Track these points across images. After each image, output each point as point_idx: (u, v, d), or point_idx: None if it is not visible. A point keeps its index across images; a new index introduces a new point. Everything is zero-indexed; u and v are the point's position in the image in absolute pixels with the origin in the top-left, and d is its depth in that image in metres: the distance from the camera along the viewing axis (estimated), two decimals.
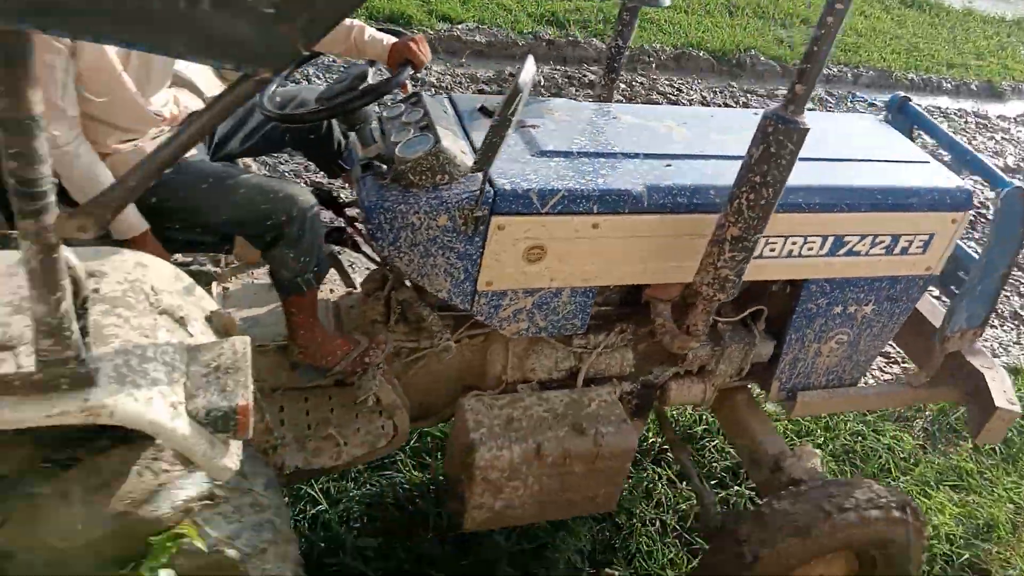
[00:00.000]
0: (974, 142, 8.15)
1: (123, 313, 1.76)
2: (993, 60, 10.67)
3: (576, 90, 7.49)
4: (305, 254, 2.35)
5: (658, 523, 3.51)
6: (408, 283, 2.77)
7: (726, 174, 2.62)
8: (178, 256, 2.85)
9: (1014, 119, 9.19)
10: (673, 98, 7.82)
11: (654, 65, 8.40)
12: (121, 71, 2.16)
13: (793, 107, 2.26)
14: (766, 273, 2.80)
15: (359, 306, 2.89)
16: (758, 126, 2.32)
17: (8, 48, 1.20)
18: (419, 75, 5.15)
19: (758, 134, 2.32)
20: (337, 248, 2.98)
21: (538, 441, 2.55)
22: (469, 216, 2.36)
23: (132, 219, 2.19)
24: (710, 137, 2.89)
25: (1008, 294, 5.75)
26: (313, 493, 3.26)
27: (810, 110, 2.30)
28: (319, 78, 6.56)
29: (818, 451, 3.24)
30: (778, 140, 2.27)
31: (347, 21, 2.62)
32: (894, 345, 3.56)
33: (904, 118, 3.42)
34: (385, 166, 2.47)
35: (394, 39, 2.69)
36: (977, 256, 3.10)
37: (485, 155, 2.15)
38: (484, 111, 2.73)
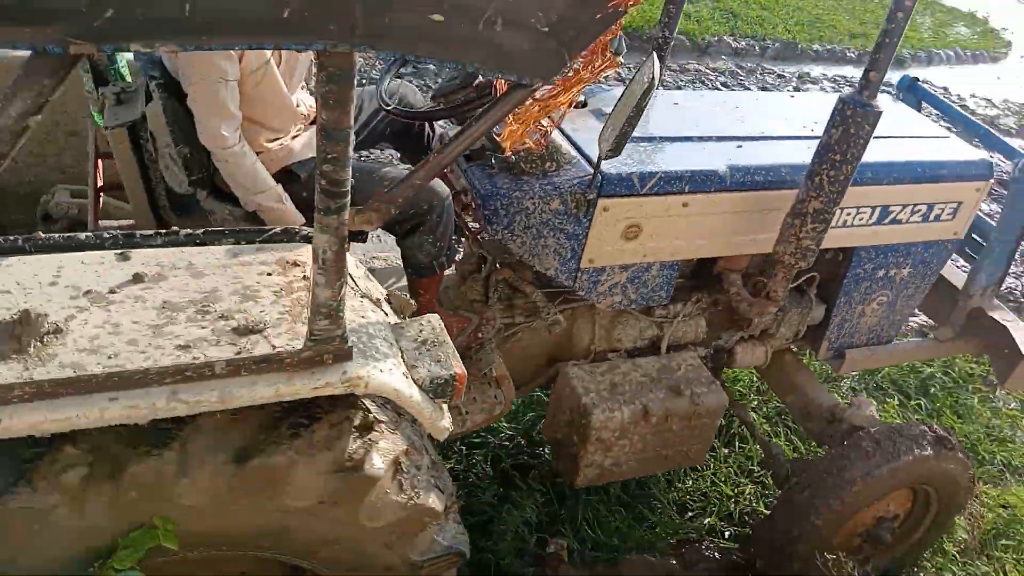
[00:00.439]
0: None
1: None
2: None
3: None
4: (440, 239, 2.56)
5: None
6: (499, 264, 2.99)
7: (790, 152, 2.93)
8: None
9: None
10: None
11: None
12: (277, 72, 2.34)
13: (868, 92, 2.57)
14: (825, 242, 3.10)
15: (455, 287, 3.10)
16: (835, 109, 2.62)
17: (339, 66, 1.40)
18: None
19: (836, 116, 2.62)
20: None
21: (644, 402, 2.81)
22: (581, 200, 2.60)
23: (291, 212, 2.37)
24: (763, 120, 3.19)
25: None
26: None
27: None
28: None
29: (873, 401, 3.57)
30: (856, 122, 2.58)
31: None
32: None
33: (912, 96, 3.77)
34: (492, 156, 2.69)
35: None
36: (993, 222, 3.47)
37: (619, 144, 2.39)
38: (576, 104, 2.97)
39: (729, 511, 3.63)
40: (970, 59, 11.52)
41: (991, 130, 3.52)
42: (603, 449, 2.83)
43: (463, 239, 3.16)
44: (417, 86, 4.69)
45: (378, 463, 1.92)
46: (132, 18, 1.21)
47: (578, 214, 2.64)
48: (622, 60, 2.19)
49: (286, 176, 2.39)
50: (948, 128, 3.68)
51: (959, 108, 3.71)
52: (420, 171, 1.66)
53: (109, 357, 1.66)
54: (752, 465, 3.86)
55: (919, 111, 3.73)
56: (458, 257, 3.20)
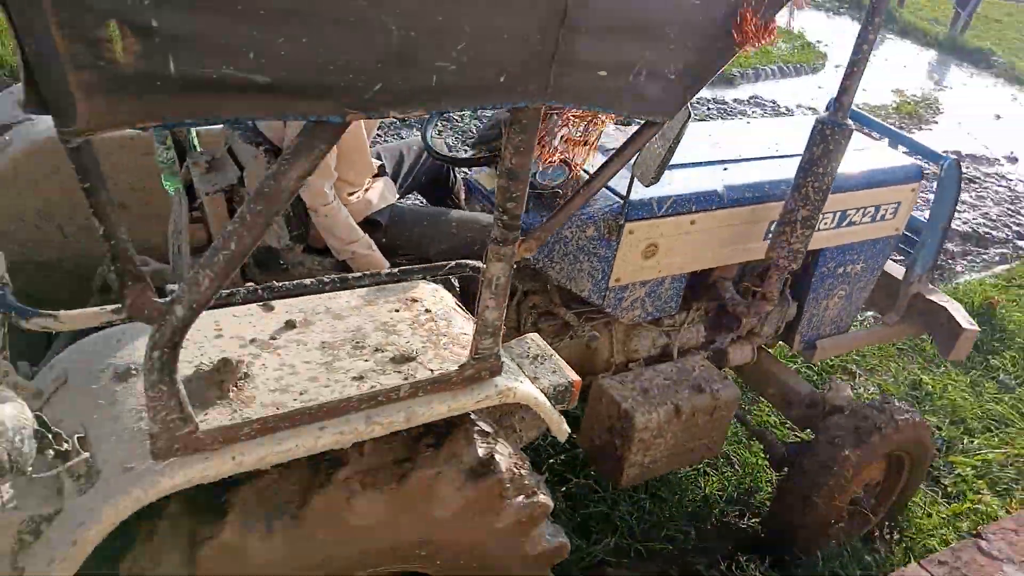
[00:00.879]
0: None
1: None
2: None
3: None
4: None
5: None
6: (525, 292, 3.26)
7: (766, 171, 3.36)
8: None
9: (747, 100, 10.64)
10: None
11: None
12: (364, 131, 2.55)
13: (841, 114, 3.01)
14: None
15: None
16: (814, 130, 3.05)
17: (530, 118, 1.66)
18: None
19: (816, 136, 3.05)
20: None
21: (675, 402, 3.13)
22: (613, 225, 2.92)
23: (378, 258, 2.57)
24: (736, 145, 3.61)
25: None
26: None
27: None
28: None
29: (848, 383, 4.03)
30: (835, 139, 3.01)
31: None
32: None
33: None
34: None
35: None
36: (924, 219, 4.02)
37: (660, 172, 2.71)
38: None
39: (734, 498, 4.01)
40: (793, 72, 12.49)
41: (912, 138, 4.08)
42: (643, 449, 3.13)
43: None
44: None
45: (503, 467, 2.13)
46: (394, 90, 1.43)
47: (609, 238, 2.95)
48: None
49: (369, 225, 2.58)
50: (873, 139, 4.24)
51: (879, 121, 4.27)
52: (569, 204, 1.93)
53: (301, 393, 1.83)
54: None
55: None
56: None
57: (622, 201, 2.90)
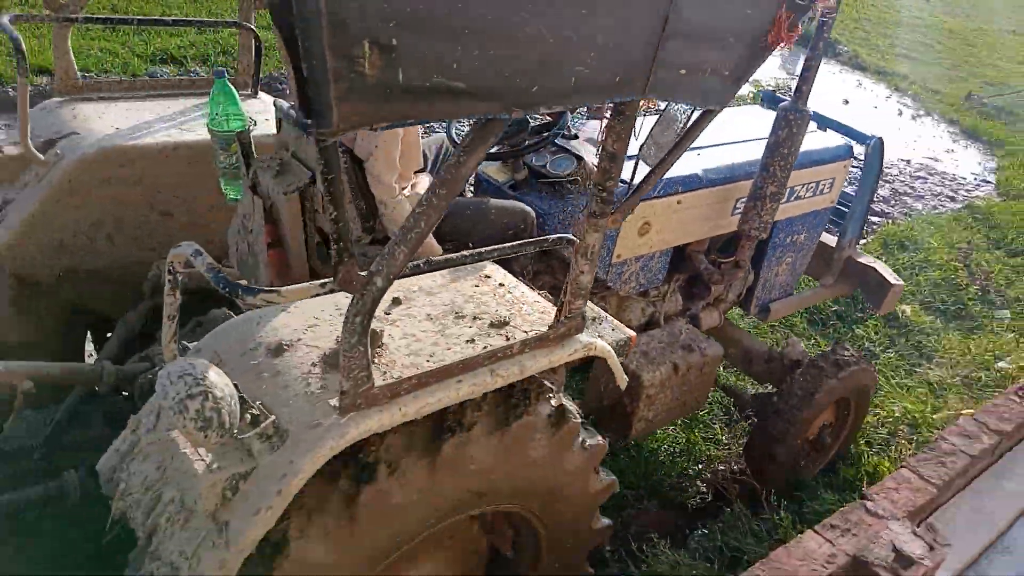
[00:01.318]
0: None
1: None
2: None
3: None
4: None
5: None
6: (534, 272, 3.59)
7: (732, 155, 3.81)
8: None
9: None
10: None
11: None
12: (420, 129, 2.80)
13: (801, 102, 3.49)
14: None
15: None
16: (778, 115, 3.52)
17: (631, 109, 2.00)
18: None
19: (780, 121, 3.52)
20: None
21: (672, 361, 3.54)
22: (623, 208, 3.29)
23: (434, 244, 2.84)
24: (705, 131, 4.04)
25: None
26: None
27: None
28: None
29: (801, 340, 4.54)
30: (797, 123, 3.49)
31: None
32: None
33: (773, 104, 4.83)
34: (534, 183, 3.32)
35: None
36: (853, 191, 4.58)
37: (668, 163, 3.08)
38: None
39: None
40: None
41: (840, 122, 4.62)
42: (648, 404, 3.52)
43: None
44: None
45: (573, 415, 2.47)
46: (546, 90, 1.74)
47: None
48: None
49: None
50: None
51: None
52: (644, 184, 2.28)
53: (430, 356, 2.11)
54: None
55: None
56: None
57: (626, 185, 3.27)
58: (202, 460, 1.85)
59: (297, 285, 1.83)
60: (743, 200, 3.81)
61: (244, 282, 2.11)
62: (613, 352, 2.47)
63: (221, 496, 1.82)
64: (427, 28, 1.49)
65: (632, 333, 2.58)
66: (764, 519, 3.92)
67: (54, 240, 2.90)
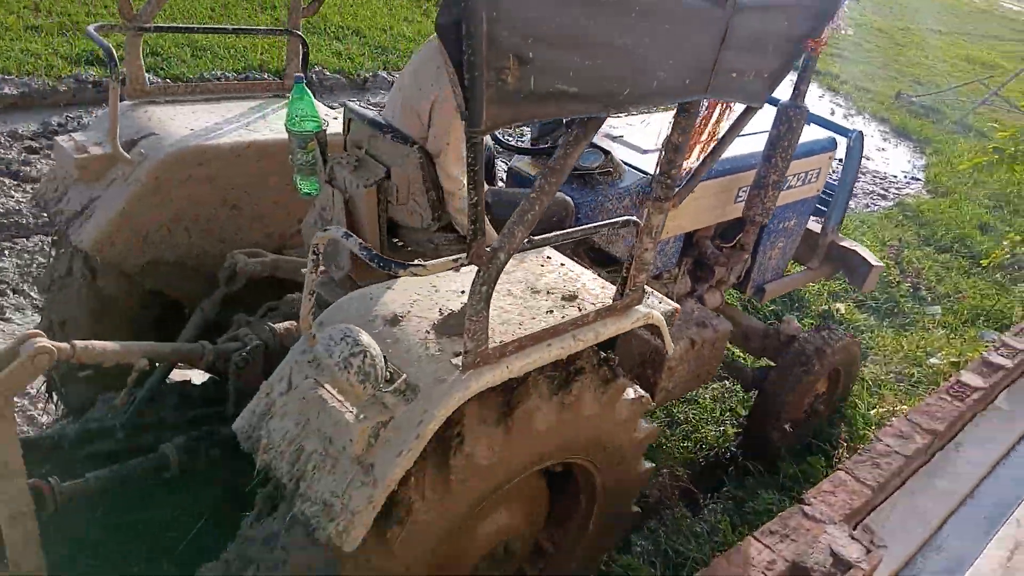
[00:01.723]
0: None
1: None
2: None
3: None
4: None
5: None
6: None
7: (735, 147, 4.18)
8: None
9: None
10: None
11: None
12: None
13: (799, 99, 3.88)
14: None
15: None
16: (778, 112, 3.90)
17: (694, 107, 2.35)
18: None
19: (780, 117, 3.91)
20: None
21: (690, 336, 3.90)
22: (644, 197, 3.65)
23: (492, 232, 3.14)
24: None
25: None
26: None
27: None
28: None
29: (794, 317, 4.94)
30: (797, 119, 3.88)
31: None
32: None
33: (770, 102, 5.23)
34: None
35: None
36: (836, 181, 5.01)
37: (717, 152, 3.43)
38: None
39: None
40: None
41: (824, 118, 5.03)
42: (670, 376, 3.87)
43: None
44: None
45: (620, 373, 2.81)
46: (635, 93, 2.07)
47: (640, 207, 3.68)
48: None
49: None
50: None
51: None
52: (699, 171, 2.62)
53: (520, 324, 2.43)
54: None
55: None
56: None
57: (650, 176, 3.63)
58: (350, 412, 2.14)
59: (437, 260, 2.13)
60: (745, 189, 4.19)
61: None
62: (665, 321, 2.81)
63: (367, 443, 2.12)
64: (554, 44, 1.82)
65: (677, 305, 2.93)
66: (705, 520, 4.06)
67: (140, 234, 3.15)
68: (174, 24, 8.41)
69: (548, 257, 2.87)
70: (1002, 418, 4.79)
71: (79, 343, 2.60)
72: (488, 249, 2.07)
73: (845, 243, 5.14)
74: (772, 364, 4.58)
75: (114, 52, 2.99)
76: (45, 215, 4.15)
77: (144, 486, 3.02)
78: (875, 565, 3.30)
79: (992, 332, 6.41)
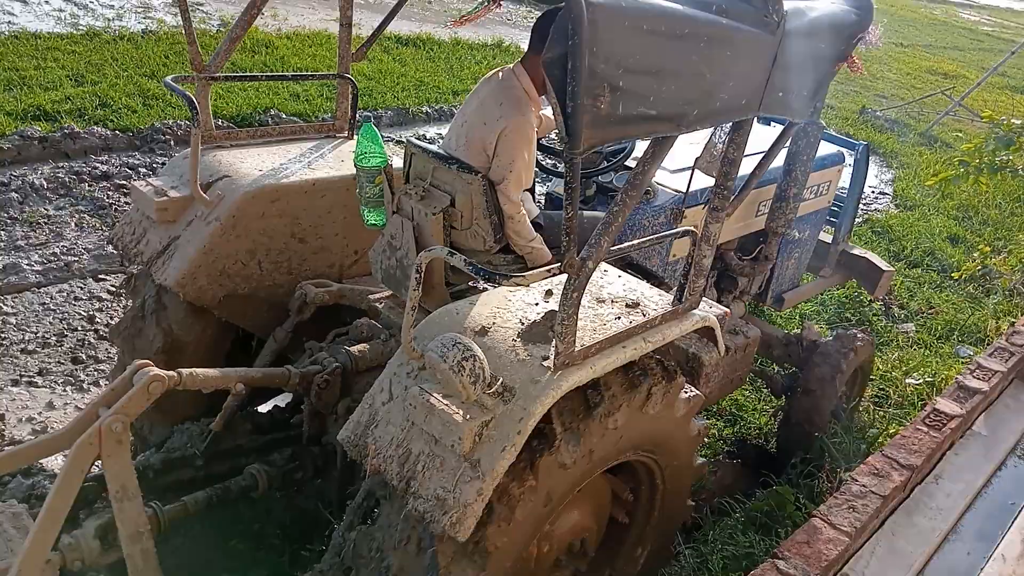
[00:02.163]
0: None
1: None
2: None
3: (88, 185, 6.91)
4: None
5: None
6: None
7: (753, 165, 4.46)
8: None
9: None
10: None
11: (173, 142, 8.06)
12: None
13: (815, 115, 4.14)
14: None
15: None
16: (797, 129, 4.17)
17: (746, 126, 2.60)
18: None
19: (799, 133, 4.18)
20: None
21: (724, 344, 4.13)
22: (677, 213, 3.89)
23: (547, 252, 3.37)
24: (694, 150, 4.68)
25: None
26: None
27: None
28: None
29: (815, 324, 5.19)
30: (814, 134, 4.16)
31: None
32: None
33: (765, 120, 5.53)
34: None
35: None
36: (845, 192, 5.29)
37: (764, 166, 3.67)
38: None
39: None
40: None
41: (833, 133, 5.32)
42: (706, 383, 4.10)
43: None
44: None
45: (678, 373, 3.03)
46: (702, 113, 2.32)
47: (674, 223, 3.92)
48: None
49: (535, 227, 3.36)
50: None
51: None
52: (751, 180, 2.87)
53: (594, 329, 2.66)
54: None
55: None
56: None
57: (683, 194, 3.88)
58: (457, 413, 2.35)
59: (535, 270, 2.36)
60: (764, 203, 4.46)
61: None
62: (718, 324, 3.05)
63: (474, 440, 2.33)
64: (638, 73, 2.07)
65: (726, 309, 3.17)
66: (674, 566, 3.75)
67: (218, 268, 3.36)
68: (239, 73, 8.77)
69: (605, 271, 3.11)
70: (980, 444, 4.64)
71: (184, 371, 2.81)
72: (578, 259, 2.30)
73: (856, 251, 5.41)
74: (797, 369, 4.82)
75: (195, 101, 3.22)
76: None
77: (233, 506, 3.22)
78: None
79: (967, 347, 6.41)
